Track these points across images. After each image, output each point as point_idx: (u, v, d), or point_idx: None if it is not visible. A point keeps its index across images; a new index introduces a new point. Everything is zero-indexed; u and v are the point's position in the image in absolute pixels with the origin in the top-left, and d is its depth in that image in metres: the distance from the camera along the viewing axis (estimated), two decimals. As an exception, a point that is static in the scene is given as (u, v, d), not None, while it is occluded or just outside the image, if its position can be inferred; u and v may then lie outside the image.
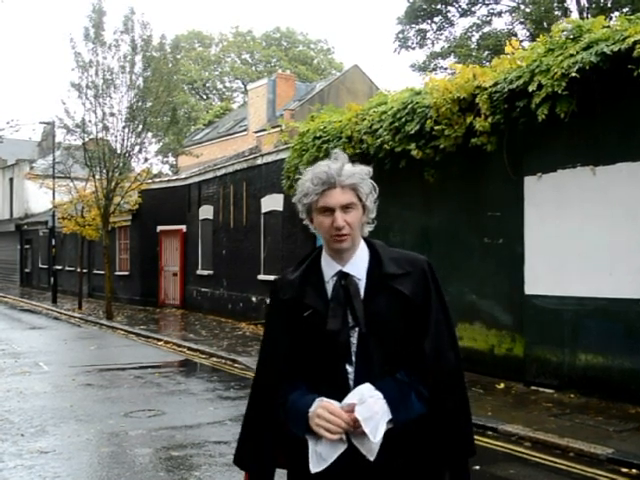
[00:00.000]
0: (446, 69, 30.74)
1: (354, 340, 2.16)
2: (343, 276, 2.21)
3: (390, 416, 2.08)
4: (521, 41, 15.32)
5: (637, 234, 7.97)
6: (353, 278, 2.21)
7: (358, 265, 2.23)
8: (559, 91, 7.97)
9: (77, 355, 13.24)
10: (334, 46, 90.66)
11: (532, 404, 8.21)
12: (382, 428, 2.07)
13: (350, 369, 2.15)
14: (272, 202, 16.80)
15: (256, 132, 33.83)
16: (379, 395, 2.09)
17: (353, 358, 2.15)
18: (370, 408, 2.06)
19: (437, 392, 2.18)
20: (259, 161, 17.70)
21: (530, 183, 9.26)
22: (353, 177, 2.18)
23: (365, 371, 2.13)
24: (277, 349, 2.32)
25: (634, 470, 5.86)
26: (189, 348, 13.65)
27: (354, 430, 2.06)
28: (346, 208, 2.16)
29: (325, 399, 2.11)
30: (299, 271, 2.31)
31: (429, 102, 9.92)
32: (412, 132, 10.15)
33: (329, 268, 2.24)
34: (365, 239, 2.29)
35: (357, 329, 2.16)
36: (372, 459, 2.08)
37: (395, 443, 2.12)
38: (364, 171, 2.23)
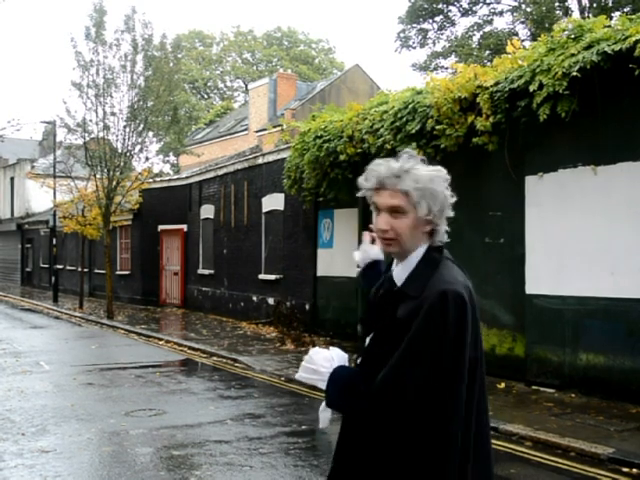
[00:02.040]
0: (447, 69, 30.74)
1: (368, 339, 2.24)
2: (388, 278, 2.25)
3: (324, 384, 2.13)
4: (522, 41, 15.31)
5: (638, 233, 7.97)
6: (390, 283, 2.22)
7: (402, 272, 2.18)
8: (560, 91, 7.97)
9: (78, 354, 13.25)
10: (335, 46, 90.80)
11: (533, 404, 8.21)
12: (309, 380, 2.17)
13: (359, 362, 2.25)
14: (273, 201, 16.80)
15: (257, 131, 33.86)
16: (334, 362, 2.15)
17: (361, 354, 2.26)
18: (318, 354, 2.17)
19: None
20: (260, 160, 17.70)
21: (531, 183, 9.26)
22: (405, 182, 2.07)
23: (364, 364, 2.21)
24: None
25: (635, 470, 5.86)
26: (190, 347, 13.66)
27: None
28: (395, 212, 2.09)
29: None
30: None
31: (430, 102, 9.91)
32: (413, 132, 10.15)
33: (394, 265, 2.27)
34: (431, 249, 2.16)
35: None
36: (320, 426, 2.21)
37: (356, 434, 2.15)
38: (427, 176, 2.09)
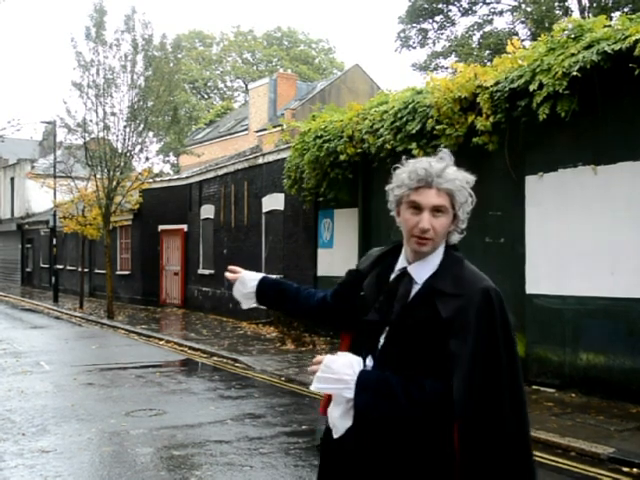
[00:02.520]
0: (447, 68, 30.74)
1: (383, 339, 2.14)
2: (403, 275, 2.19)
3: (351, 395, 2.03)
4: (522, 40, 15.31)
5: (638, 233, 7.97)
6: (409, 280, 2.17)
7: (423, 269, 2.16)
8: (560, 90, 7.97)
9: (78, 354, 13.25)
10: (335, 45, 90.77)
11: (533, 403, 8.20)
12: (331, 390, 2.06)
13: (370, 363, 2.13)
14: (273, 201, 16.80)
15: (257, 131, 33.86)
16: (355, 367, 2.06)
17: (377, 354, 2.14)
18: (335, 362, 2.06)
19: (468, 455, 2.02)
20: (260, 160, 17.70)
21: (531, 182, 9.26)
22: (453, 182, 2.10)
23: (381, 369, 2.10)
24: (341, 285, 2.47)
25: (635, 469, 5.86)
26: (190, 347, 13.66)
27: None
28: (436, 211, 2.09)
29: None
30: (383, 250, 2.34)
31: (430, 101, 9.91)
32: (413, 131, 10.15)
33: (401, 261, 2.23)
34: (448, 248, 2.20)
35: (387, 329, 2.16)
36: (335, 435, 2.12)
37: (380, 438, 2.07)
38: (466, 179, 2.15)
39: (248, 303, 2.55)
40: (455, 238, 2.21)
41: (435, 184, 2.08)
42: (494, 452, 2.02)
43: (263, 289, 2.52)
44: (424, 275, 2.15)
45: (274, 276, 2.66)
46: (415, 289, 2.15)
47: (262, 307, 2.57)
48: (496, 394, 2.02)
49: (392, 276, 2.22)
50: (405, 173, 2.14)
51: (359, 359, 2.09)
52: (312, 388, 2.08)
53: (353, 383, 2.02)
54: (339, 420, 2.09)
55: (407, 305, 2.13)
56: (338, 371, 2.03)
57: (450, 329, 2.02)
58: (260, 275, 2.56)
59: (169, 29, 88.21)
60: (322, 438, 2.29)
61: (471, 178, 2.18)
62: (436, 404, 1.99)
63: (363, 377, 2.04)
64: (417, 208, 2.10)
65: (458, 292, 2.06)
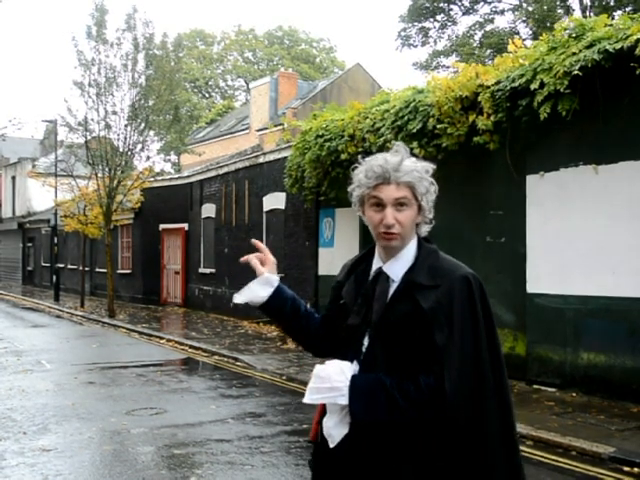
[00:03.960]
0: (448, 67, 30.72)
1: (366, 340, 2.12)
2: (379, 275, 2.17)
3: (345, 401, 2.01)
4: (524, 39, 15.27)
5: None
6: (385, 279, 2.15)
7: (398, 265, 2.14)
8: (561, 89, 7.97)
9: (79, 353, 13.26)
10: (336, 44, 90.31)
11: (534, 403, 8.21)
12: (325, 400, 2.04)
13: (355, 367, 2.10)
14: (274, 201, 16.80)
15: (258, 130, 33.87)
16: (347, 373, 2.04)
17: (361, 357, 2.12)
18: (325, 370, 2.05)
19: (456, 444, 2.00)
20: (261, 159, 17.70)
21: (532, 182, 9.25)
22: (411, 174, 2.08)
23: (368, 372, 2.08)
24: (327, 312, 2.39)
25: (636, 469, 5.86)
26: (191, 346, 13.66)
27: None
28: (399, 205, 2.08)
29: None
30: (357, 257, 2.31)
31: (431, 100, 9.91)
32: (414, 131, 10.14)
33: (376, 262, 2.21)
34: (420, 240, 2.19)
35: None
36: (330, 445, 2.09)
37: (375, 442, 2.04)
38: (424, 168, 2.13)
39: (248, 299, 2.33)
40: (424, 229, 2.20)
41: (393, 179, 2.07)
42: (480, 446, 2.01)
43: (276, 298, 2.33)
44: (400, 271, 2.13)
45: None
46: (393, 286, 2.13)
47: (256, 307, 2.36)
48: (481, 385, 2.01)
49: (371, 277, 2.21)
50: (362, 172, 2.13)
51: (349, 364, 2.08)
52: (305, 400, 2.05)
53: (346, 389, 2.01)
54: (334, 429, 2.08)
55: (387, 303, 2.11)
56: (329, 379, 2.02)
57: (433, 320, 2.01)
58: (276, 283, 2.31)
59: (170, 28, 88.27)
60: (312, 453, 2.26)
61: (431, 166, 2.15)
62: (432, 400, 1.98)
63: (356, 382, 2.03)
64: (379, 205, 2.10)
65: (436, 283, 2.05)
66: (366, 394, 2.00)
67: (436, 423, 1.99)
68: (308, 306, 2.42)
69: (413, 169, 2.09)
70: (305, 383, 9.18)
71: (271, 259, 2.35)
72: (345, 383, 2.01)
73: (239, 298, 2.33)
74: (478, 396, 2.00)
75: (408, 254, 2.15)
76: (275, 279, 2.31)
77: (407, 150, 2.14)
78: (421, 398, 1.98)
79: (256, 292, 2.31)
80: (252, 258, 2.34)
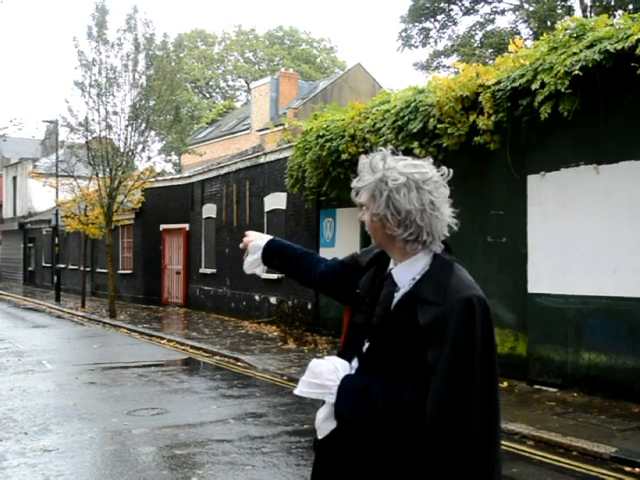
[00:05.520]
0: (449, 67, 30.74)
1: (367, 341, 2.13)
2: (388, 277, 2.16)
3: (332, 400, 2.04)
4: (524, 39, 15.27)
5: (641, 233, 7.96)
6: (392, 283, 2.13)
7: (406, 272, 2.10)
8: (562, 89, 7.97)
9: (80, 353, 13.26)
10: (337, 45, 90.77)
11: (535, 403, 8.21)
12: (314, 395, 2.07)
13: (355, 364, 2.12)
14: (275, 201, 16.81)
15: (259, 131, 33.88)
16: (339, 373, 2.07)
17: (361, 356, 2.13)
18: (319, 367, 2.07)
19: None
20: (262, 160, 17.70)
21: (533, 182, 9.25)
22: (365, 179, 2.09)
23: (366, 371, 2.09)
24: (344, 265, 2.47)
25: (637, 469, 5.86)
26: (192, 347, 13.67)
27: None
28: (361, 207, 2.15)
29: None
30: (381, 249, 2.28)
31: (432, 100, 9.91)
32: (415, 131, 10.14)
33: (392, 262, 2.19)
34: (438, 255, 2.09)
35: None
36: (319, 437, 2.15)
37: (361, 442, 2.06)
38: (393, 174, 2.04)
39: (258, 270, 2.57)
40: (433, 247, 2.09)
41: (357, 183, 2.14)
42: (456, 469, 1.94)
43: (268, 257, 2.53)
44: (405, 278, 2.10)
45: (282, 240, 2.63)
46: (398, 293, 2.11)
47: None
48: (466, 411, 1.93)
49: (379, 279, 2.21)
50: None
51: (345, 363, 2.10)
52: (296, 392, 2.09)
53: (335, 389, 2.04)
54: (323, 422, 2.13)
55: (389, 309, 2.10)
56: (321, 376, 2.05)
57: (428, 337, 1.96)
58: (265, 241, 2.54)
59: (171, 28, 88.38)
60: (315, 439, 2.30)
61: (409, 173, 2.04)
62: (412, 415, 1.96)
63: (345, 384, 2.04)
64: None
65: (439, 300, 1.98)
66: (352, 397, 2.03)
67: (416, 435, 1.97)
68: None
69: (380, 170, 2.07)
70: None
71: (248, 233, 2.61)
72: (335, 383, 2.05)
73: (253, 271, 2.59)
74: (461, 417, 1.93)
75: (417, 262, 2.10)
76: (260, 241, 2.54)
77: (384, 153, 2.11)
78: (401, 411, 1.97)
79: (249, 259, 2.54)
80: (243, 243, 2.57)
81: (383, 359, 2.06)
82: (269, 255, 2.52)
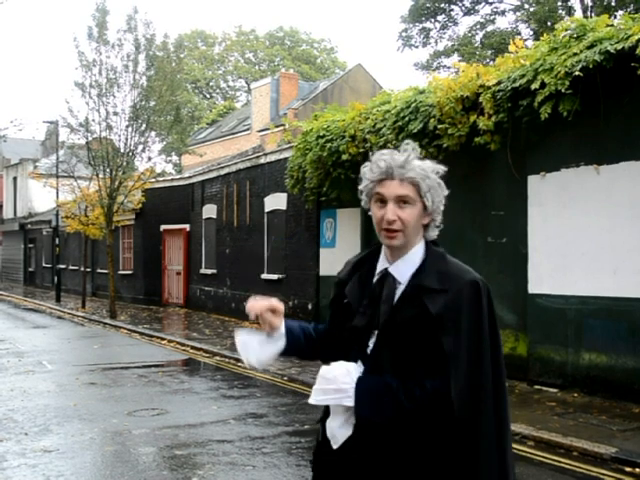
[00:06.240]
0: (450, 68, 30.72)
1: (372, 342, 2.11)
2: (385, 276, 2.15)
3: (351, 403, 2.01)
4: (525, 40, 15.26)
5: (641, 233, 7.96)
6: (392, 281, 2.13)
7: (405, 268, 2.12)
8: (562, 90, 7.96)
9: (81, 354, 13.26)
10: (337, 45, 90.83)
11: (535, 403, 8.20)
12: (331, 401, 2.04)
13: (361, 368, 2.09)
14: (275, 201, 16.81)
15: (259, 131, 33.88)
16: (353, 375, 2.04)
17: (367, 358, 2.11)
18: (331, 372, 2.04)
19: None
20: (262, 160, 17.70)
21: (534, 182, 9.25)
22: (414, 171, 2.06)
23: (374, 373, 2.07)
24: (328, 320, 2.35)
25: (638, 469, 5.85)
26: (192, 347, 13.66)
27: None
28: (402, 202, 2.06)
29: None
30: (361, 255, 2.28)
31: (433, 101, 9.91)
32: (415, 131, 10.14)
33: (381, 262, 2.18)
34: (428, 243, 2.17)
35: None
36: (334, 446, 2.10)
37: (381, 443, 2.04)
38: (431, 168, 2.09)
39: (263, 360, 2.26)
40: (433, 233, 2.18)
41: (397, 175, 2.06)
42: (474, 445, 2.01)
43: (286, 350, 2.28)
44: (406, 273, 2.12)
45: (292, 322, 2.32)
46: (400, 289, 2.11)
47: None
48: (481, 389, 2.00)
49: (375, 279, 2.19)
50: (368, 167, 2.13)
51: (355, 366, 2.08)
52: (311, 401, 2.05)
53: (352, 391, 2.01)
54: (339, 430, 2.09)
55: (394, 306, 2.09)
56: (336, 381, 2.02)
57: (441, 325, 2.00)
58: (282, 339, 2.24)
59: (171, 29, 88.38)
60: (314, 453, 2.26)
61: (439, 168, 2.12)
62: (438, 402, 1.98)
63: (362, 384, 2.02)
64: (382, 201, 2.09)
65: (445, 287, 2.04)
66: (372, 396, 2.01)
67: (438, 425, 2.00)
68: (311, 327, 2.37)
69: (418, 166, 2.07)
70: (306, 384, 9.20)
71: (278, 306, 2.22)
72: (351, 385, 2.01)
73: (255, 362, 2.23)
74: (478, 399, 2.00)
75: (415, 256, 2.13)
76: (280, 331, 2.23)
77: (415, 149, 2.12)
78: (426, 400, 1.99)
79: (269, 350, 2.23)
80: (264, 312, 2.21)
81: (394, 356, 2.06)
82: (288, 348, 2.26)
